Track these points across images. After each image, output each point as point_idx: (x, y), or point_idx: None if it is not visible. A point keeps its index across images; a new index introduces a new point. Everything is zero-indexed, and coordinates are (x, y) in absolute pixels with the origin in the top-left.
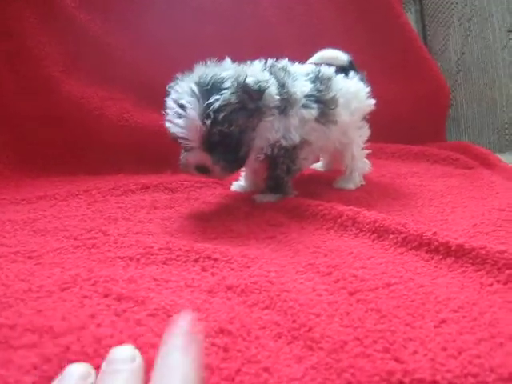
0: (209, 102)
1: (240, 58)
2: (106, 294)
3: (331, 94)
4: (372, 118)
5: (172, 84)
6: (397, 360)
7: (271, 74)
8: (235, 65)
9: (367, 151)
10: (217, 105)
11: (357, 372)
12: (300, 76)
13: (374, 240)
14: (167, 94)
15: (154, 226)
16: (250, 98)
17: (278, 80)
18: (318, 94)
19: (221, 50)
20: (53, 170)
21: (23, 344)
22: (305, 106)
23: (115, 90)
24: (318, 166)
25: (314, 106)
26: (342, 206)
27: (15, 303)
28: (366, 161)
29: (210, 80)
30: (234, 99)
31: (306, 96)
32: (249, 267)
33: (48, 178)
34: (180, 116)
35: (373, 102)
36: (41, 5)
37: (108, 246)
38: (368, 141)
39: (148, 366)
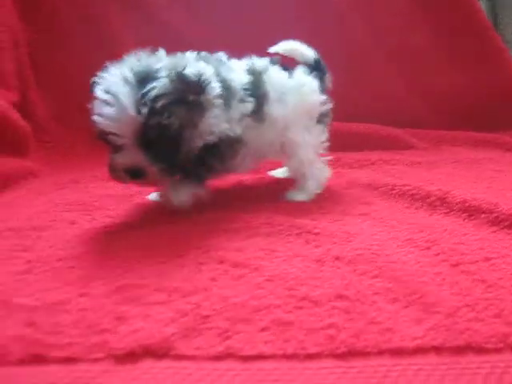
0: (145, 90)
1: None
2: (221, 261)
3: (262, 88)
4: (446, 107)
5: (100, 74)
6: (509, 325)
7: (207, 63)
8: (169, 56)
9: (325, 158)
10: (153, 93)
11: (474, 334)
12: (236, 68)
13: (464, 219)
14: (94, 85)
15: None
16: (189, 90)
17: (214, 69)
18: (251, 88)
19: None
20: None
21: (155, 301)
22: (241, 100)
23: None
24: (280, 172)
25: (250, 99)
26: (430, 186)
27: (139, 267)
28: (325, 167)
29: (144, 69)
30: (172, 89)
31: (243, 89)
32: (350, 241)
33: None
34: (110, 105)
35: (323, 98)
36: None
37: (204, 221)
38: (442, 128)
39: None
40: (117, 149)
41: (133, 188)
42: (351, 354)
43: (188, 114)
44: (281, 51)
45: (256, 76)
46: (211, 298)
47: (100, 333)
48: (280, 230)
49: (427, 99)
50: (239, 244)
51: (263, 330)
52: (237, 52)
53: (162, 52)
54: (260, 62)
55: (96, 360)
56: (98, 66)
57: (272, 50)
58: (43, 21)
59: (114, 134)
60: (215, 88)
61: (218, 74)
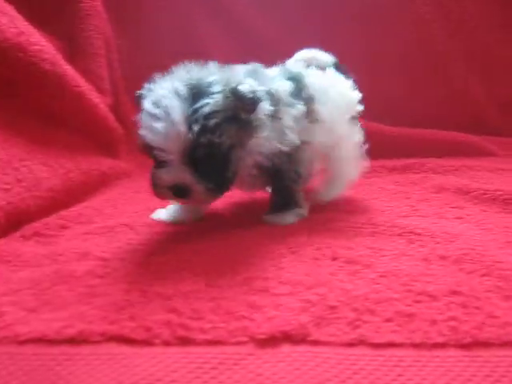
0: (197, 105)
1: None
2: (334, 258)
3: (306, 91)
4: None
5: (149, 85)
6: None
7: (255, 79)
8: (219, 69)
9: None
10: (206, 110)
11: None
12: (275, 76)
13: None
14: (140, 98)
15: (340, 206)
16: (243, 108)
17: (260, 83)
18: (296, 93)
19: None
20: None
21: (282, 293)
22: (290, 105)
23: None
24: None
25: (299, 102)
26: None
27: (255, 262)
28: (357, 169)
29: (196, 82)
30: (225, 106)
31: (290, 96)
32: (453, 241)
33: None
34: (159, 120)
35: (358, 96)
36: None
37: (310, 220)
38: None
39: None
40: (161, 164)
41: None
42: (475, 344)
43: (238, 133)
44: (300, 61)
45: (298, 81)
46: (334, 290)
47: (238, 319)
48: (383, 230)
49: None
50: (347, 242)
51: (388, 320)
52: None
53: (212, 64)
54: (296, 66)
55: (239, 343)
56: None
57: (291, 62)
58: (131, 28)
59: (161, 150)
60: (266, 107)
61: (267, 90)
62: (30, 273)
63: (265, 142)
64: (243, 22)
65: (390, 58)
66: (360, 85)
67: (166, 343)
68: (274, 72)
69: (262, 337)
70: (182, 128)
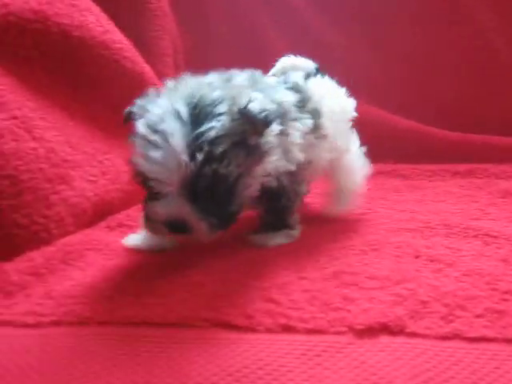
0: (201, 130)
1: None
2: (416, 256)
3: (312, 103)
4: None
5: (141, 102)
6: None
7: (259, 91)
8: (222, 82)
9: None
10: (212, 135)
11: None
12: (276, 86)
13: None
14: (132, 116)
15: (409, 206)
16: (253, 131)
17: (267, 97)
18: (301, 104)
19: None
20: None
21: (371, 287)
22: (297, 119)
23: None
24: None
25: (306, 116)
26: None
27: (339, 257)
28: (361, 180)
29: (199, 100)
30: (234, 129)
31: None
32: None
33: None
34: (157, 147)
35: (353, 103)
36: None
37: (384, 219)
38: None
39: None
40: (156, 196)
41: None
42: None
43: (247, 160)
44: (282, 69)
45: (301, 92)
46: (423, 286)
47: (335, 310)
48: (457, 232)
49: None
50: (425, 242)
51: (479, 316)
52: None
53: (213, 76)
54: (296, 76)
55: (339, 333)
56: None
57: (274, 72)
58: (197, 29)
59: (157, 181)
60: (277, 127)
61: (271, 100)
62: (122, 261)
63: (273, 164)
64: (305, 24)
65: (450, 62)
66: (421, 89)
67: (270, 330)
68: (272, 80)
69: (361, 327)
70: (184, 157)
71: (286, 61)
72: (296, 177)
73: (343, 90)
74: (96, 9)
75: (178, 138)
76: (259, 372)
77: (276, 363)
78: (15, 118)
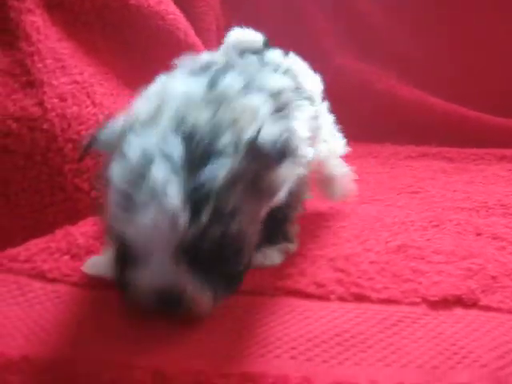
0: (203, 178)
1: None
2: (478, 233)
3: (304, 90)
4: None
5: (108, 136)
6: None
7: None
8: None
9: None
10: (219, 181)
11: None
12: (263, 69)
13: None
14: (93, 144)
15: (460, 186)
16: (266, 169)
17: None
18: (297, 90)
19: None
20: None
21: (438, 261)
22: (299, 109)
23: (380, 65)
24: None
25: (306, 103)
26: None
27: (400, 232)
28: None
29: (193, 128)
30: (244, 169)
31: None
32: None
33: None
34: (143, 205)
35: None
36: None
37: (438, 198)
38: None
39: None
40: (138, 261)
41: None
42: None
43: (257, 206)
44: (234, 42)
45: (292, 77)
46: (490, 262)
47: (406, 281)
48: None
49: None
50: (484, 221)
51: None
52: None
53: (189, 78)
54: (276, 55)
55: (413, 304)
56: None
57: (226, 48)
58: (239, 8)
59: (142, 247)
60: (291, 162)
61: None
62: None
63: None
64: (351, 10)
65: (495, 42)
66: (465, 71)
67: (342, 299)
68: (253, 61)
69: (434, 299)
70: (182, 217)
71: (237, 34)
72: (301, 179)
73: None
74: None
75: (171, 191)
76: (337, 338)
77: (353, 330)
78: (76, 82)
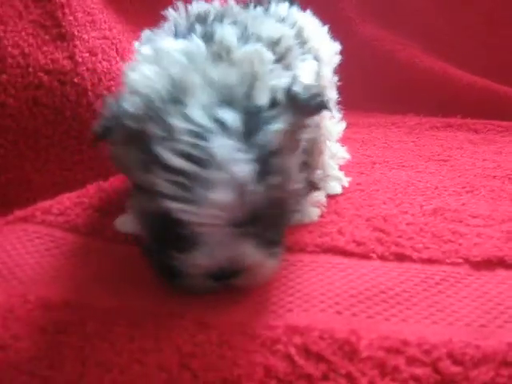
0: (259, 139)
1: None
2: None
3: (310, 42)
4: None
5: (132, 105)
6: None
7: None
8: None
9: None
10: (275, 142)
11: None
12: (263, 19)
13: None
14: (109, 132)
15: (489, 156)
16: (304, 121)
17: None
18: (299, 41)
19: None
20: (343, 102)
21: (476, 224)
22: (302, 59)
23: (405, 35)
24: None
25: (309, 56)
26: None
27: (434, 197)
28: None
29: (233, 92)
30: (289, 125)
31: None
32: None
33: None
34: (206, 181)
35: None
36: None
37: (468, 166)
38: None
39: None
40: (191, 243)
41: None
42: None
43: (299, 155)
44: None
45: (297, 27)
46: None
47: (447, 242)
48: None
49: None
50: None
51: None
52: None
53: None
54: (283, 8)
55: (455, 264)
56: None
57: None
58: None
59: (203, 223)
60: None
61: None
62: None
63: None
64: None
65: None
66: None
67: (384, 258)
68: (257, 13)
69: (477, 259)
70: (250, 186)
71: None
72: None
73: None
74: None
75: (236, 162)
76: (382, 295)
77: (397, 288)
78: (106, 38)
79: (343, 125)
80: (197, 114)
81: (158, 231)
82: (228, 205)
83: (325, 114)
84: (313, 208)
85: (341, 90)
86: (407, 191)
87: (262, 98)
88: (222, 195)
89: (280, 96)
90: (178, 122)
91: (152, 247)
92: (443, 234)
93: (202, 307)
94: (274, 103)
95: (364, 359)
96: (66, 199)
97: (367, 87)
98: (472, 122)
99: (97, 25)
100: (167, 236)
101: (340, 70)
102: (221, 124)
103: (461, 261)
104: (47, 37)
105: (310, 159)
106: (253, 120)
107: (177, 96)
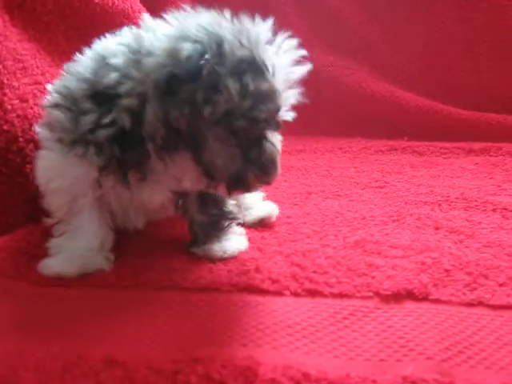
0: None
1: None
2: (437, 227)
3: None
4: None
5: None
6: None
7: None
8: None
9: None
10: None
11: None
12: None
13: None
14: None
15: (425, 180)
16: None
17: None
18: None
19: None
20: (292, 128)
21: (394, 255)
22: None
23: (352, 60)
24: None
25: None
26: None
27: (360, 227)
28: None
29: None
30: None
31: None
32: None
33: (290, 135)
34: (272, 79)
35: None
36: None
37: (402, 192)
38: None
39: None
40: (253, 138)
41: None
42: None
43: None
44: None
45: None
46: (445, 255)
47: (360, 276)
48: (475, 205)
49: None
50: (444, 214)
51: (502, 285)
52: None
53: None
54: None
55: (365, 298)
56: None
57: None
58: (209, 4)
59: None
60: None
61: None
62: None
63: None
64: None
65: (464, 39)
66: (434, 66)
67: (296, 294)
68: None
69: (386, 293)
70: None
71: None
72: None
73: None
74: None
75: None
76: (288, 329)
77: (304, 323)
78: (38, 82)
79: None
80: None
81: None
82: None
83: None
84: (237, 239)
85: None
86: (334, 222)
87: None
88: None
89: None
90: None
91: None
92: (359, 267)
93: (111, 345)
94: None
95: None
96: None
97: (315, 112)
98: (417, 144)
99: (28, 71)
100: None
101: None
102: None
103: (371, 294)
104: None
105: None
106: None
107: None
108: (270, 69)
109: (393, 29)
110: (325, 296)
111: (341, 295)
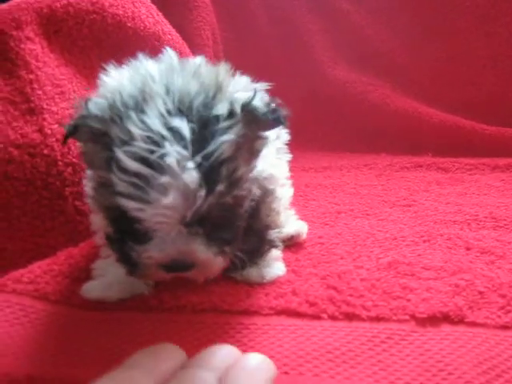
0: (211, 148)
1: None
2: (468, 247)
3: None
4: None
5: (97, 107)
6: None
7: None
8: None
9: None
10: (227, 151)
11: None
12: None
13: None
14: (79, 131)
15: (453, 198)
16: (259, 133)
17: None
18: None
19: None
20: (317, 145)
21: (428, 277)
22: None
23: (375, 77)
24: None
25: None
26: None
27: (391, 248)
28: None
29: (190, 104)
30: (242, 135)
31: None
32: None
33: (315, 152)
34: (159, 185)
35: None
36: None
37: (430, 211)
38: None
39: None
40: (145, 235)
41: None
42: None
43: (252, 165)
44: None
45: None
46: (478, 277)
47: (395, 299)
48: (505, 224)
49: None
50: (474, 234)
51: None
52: None
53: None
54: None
55: (401, 321)
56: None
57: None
58: (236, 21)
59: (160, 221)
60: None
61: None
62: None
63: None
64: (342, 14)
65: (488, 55)
66: (459, 82)
67: (334, 318)
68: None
69: (423, 316)
70: (200, 192)
71: None
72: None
73: None
74: (147, 0)
75: (187, 167)
76: (328, 355)
77: (344, 348)
78: None
79: (292, 190)
80: (153, 121)
81: (118, 224)
82: (177, 207)
83: (278, 180)
84: (275, 265)
85: (314, 132)
86: (366, 243)
87: (222, 109)
88: (171, 198)
89: (237, 108)
90: (136, 128)
91: (114, 237)
92: (393, 289)
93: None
94: (230, 114)
95: None
96: (37, 267)
97: (340, 129)
98: (441, 160)
99: (66, 95)
100: (126, 229)
101: (313, 113)
102: (174, 132)
103: (407, 317)
104: (17, 112)
105: (262, 220)
106: (207, 129)
107: (138, 103)
108: None
109: (415, 45)
110: (362, 320)
111: (378, 319)
